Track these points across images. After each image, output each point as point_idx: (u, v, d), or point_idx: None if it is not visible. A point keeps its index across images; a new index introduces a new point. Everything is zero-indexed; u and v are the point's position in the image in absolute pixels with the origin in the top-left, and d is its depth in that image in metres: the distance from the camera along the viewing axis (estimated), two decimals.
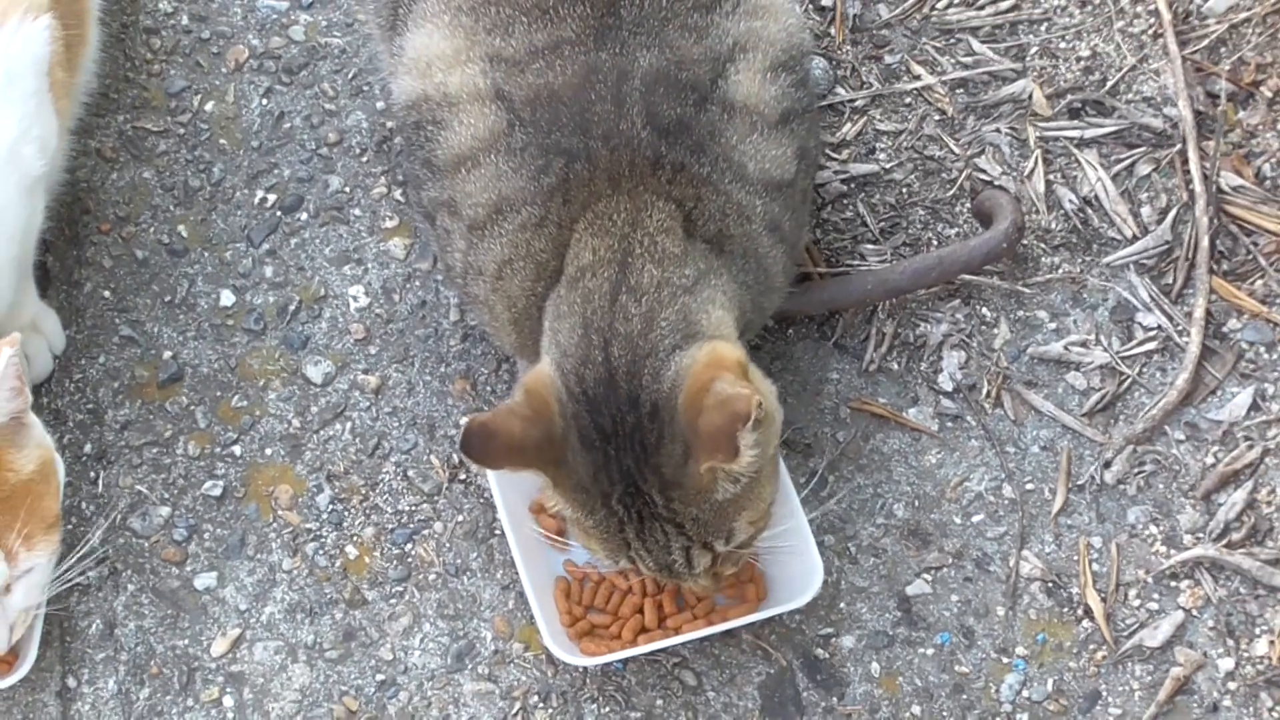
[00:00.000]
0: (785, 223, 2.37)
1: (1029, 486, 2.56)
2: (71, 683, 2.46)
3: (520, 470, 2.24)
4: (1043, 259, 2.70)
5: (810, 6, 2.87)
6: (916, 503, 2.55)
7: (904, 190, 2.77)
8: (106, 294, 2.73)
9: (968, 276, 2.67)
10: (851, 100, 2.84)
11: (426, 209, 2.44)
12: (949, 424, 2.60)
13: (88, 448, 2.61)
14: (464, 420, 2.22)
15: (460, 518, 2.56)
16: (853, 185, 2.77)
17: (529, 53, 2.31)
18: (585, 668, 2.44)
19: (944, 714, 2.43)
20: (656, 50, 2.29)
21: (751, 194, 2.32)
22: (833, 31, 2.88)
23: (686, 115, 2.29)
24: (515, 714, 2.44)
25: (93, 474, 2.59)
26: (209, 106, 2.88)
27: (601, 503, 2.21)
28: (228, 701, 2.46)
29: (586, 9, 2.30)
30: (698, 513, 2.20)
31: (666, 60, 2.29)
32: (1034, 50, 2.86)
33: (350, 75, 2.89)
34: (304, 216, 2.78)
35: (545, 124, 2.28)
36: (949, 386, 2.62)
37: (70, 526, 2.52)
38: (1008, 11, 2.89)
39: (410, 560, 2.54)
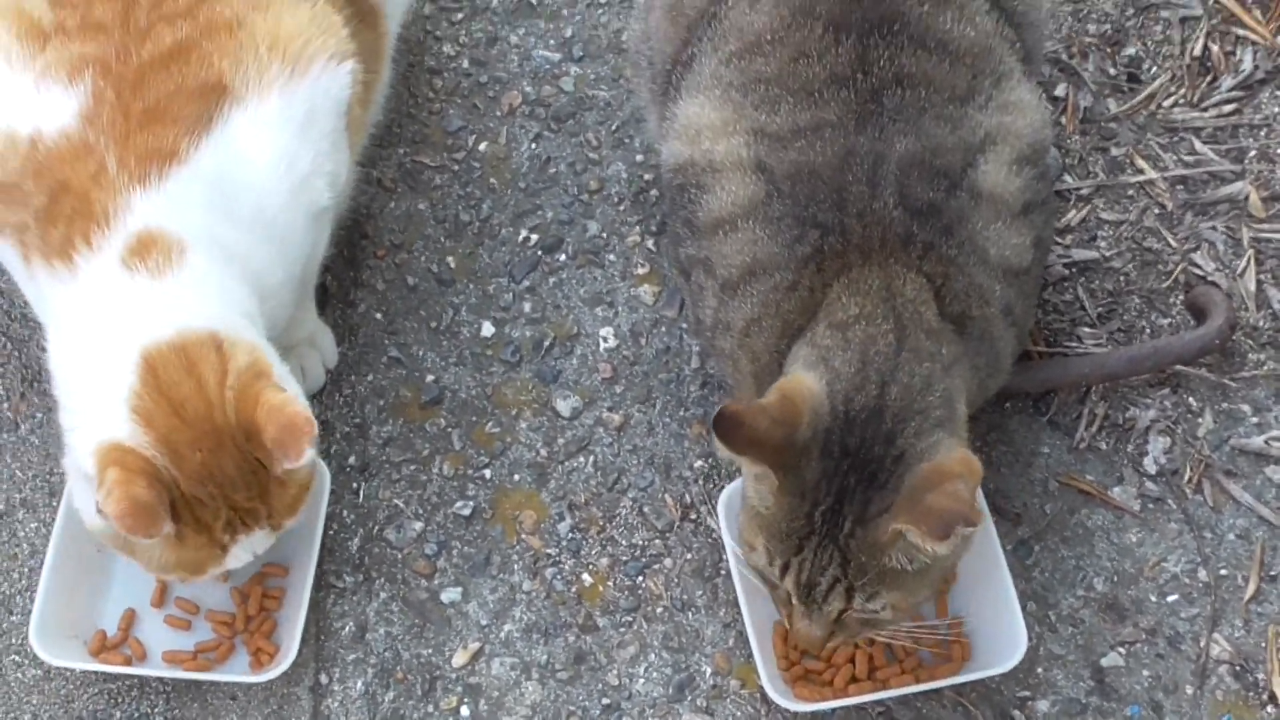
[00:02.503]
0: (1018, 308, 2.26)
1: (1223, 572, 2.42)
2: (324, 679, 2.39)
3: (753, 462, 2.09)
4: (1249, 355, 2.56)
5: (1043, 96, 2.72)
6: (1115, 578, 2.42)
7: (1122, 278, 2.63)
8: (378, 315, 2.65)
9: (1179, 367, 2.53)
10: (1077, 188, 2.71)
11: (683, 265, 2.35)
12: (1150, 505, 2.47)
13: (352, 459, 2.53)
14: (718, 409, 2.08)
15: (689, 555, 2.46)
16: (1074, 270, 2.64)
17: (792, 131, 2.22)
18: (796, 712, 2.32)
19: None
20: (913, 137, 2.19)
21: (992, 278, 2.20)
22: (1063, 121, 2.75)
23: (938, 199, 2.17)
24: None
25: (355, 484, 2.51)
26: (482, 146, 2.80)
27: (806, 512, 2.08)
28: (465, 711, 2.36)
29: (851, 95, 2.20)
30: (864, 560, 2.08)
31: (922, 147, 2.19)
32: (1253, 154, 2.71)
33: (613, 127, 2.80)
34: (563, 257, 2.69)
35: (803, 197, 2.18)
36: (1153, 469, 2.49)
37: (331, 532, 2.46)
38: (1230, 115, 2.75)
39: (640, 592, 2.44)
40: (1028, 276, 2.27)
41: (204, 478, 2.09)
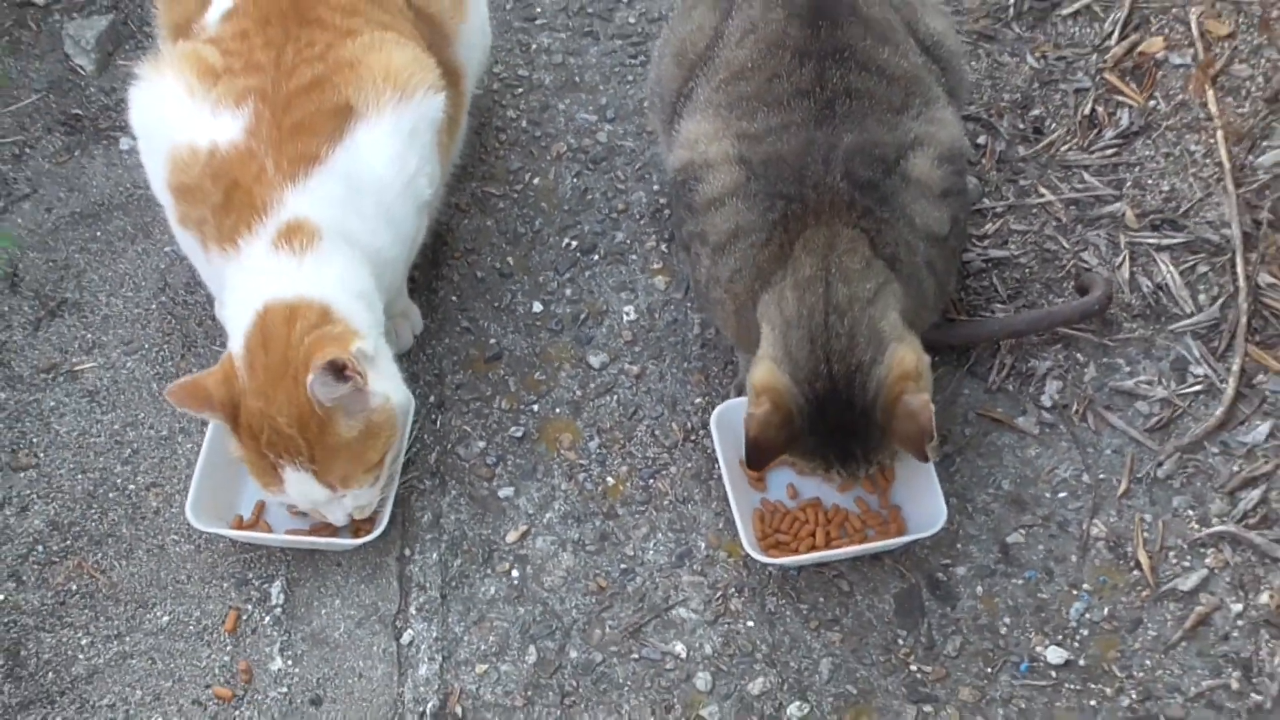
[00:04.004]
0: (938, 265, 2.55)
1: (1101, 476, 2.69)
2: (407, 552, 2.66)
3: (775, 459, 2.47)
4: (1124, 324, 2.85)
5: (969, 143, 3.06)
6: (1018, 481, 2.70)
7: (1027, 270, 2.93)
8: (454, 299, 2.96)
9: (1068, 330, 2.84)
10: (993, 207, 3.03)
11: (685, 240, 2.65)
12: (1046, 430, 2.75)
13: (431, 398, 2.83)
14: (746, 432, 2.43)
15: (689, 464, 2.74)
16: (989, 264, 2.95)
17: (765, 131, 2.53)
18: (770, 570, 2.60)
19: (1027, 625, 2.56)
20: (858, 133, 2.49)
21: (917, 238, 2.50)
22: (984, 161, 3.09)
23: (876, 178, 2.47)
24: (717, 599, 2.60)
25: (434, 417, 2.81)
26: (535, 181, 3.13)
27: (824, 465, 2.47)
28: (515, 573, 2.64)
29: (810, 104, 2.52)
30: (883, 457, 2.46)
31: (865, 140, 2.48)
32: (1129, 183, 3.02)
33: (637, 166, 3.14)
34: (595, 257, 3.01)
35: (773, 178, 2.49)
36: (1049, 404, 2.77)
37: (415, 449, 2.74)
38: (1111, 155, 3.07)
39: (651, 490, 2.72)
40: (946, 244, 2.56)
41: (258, 393, 2.35)
